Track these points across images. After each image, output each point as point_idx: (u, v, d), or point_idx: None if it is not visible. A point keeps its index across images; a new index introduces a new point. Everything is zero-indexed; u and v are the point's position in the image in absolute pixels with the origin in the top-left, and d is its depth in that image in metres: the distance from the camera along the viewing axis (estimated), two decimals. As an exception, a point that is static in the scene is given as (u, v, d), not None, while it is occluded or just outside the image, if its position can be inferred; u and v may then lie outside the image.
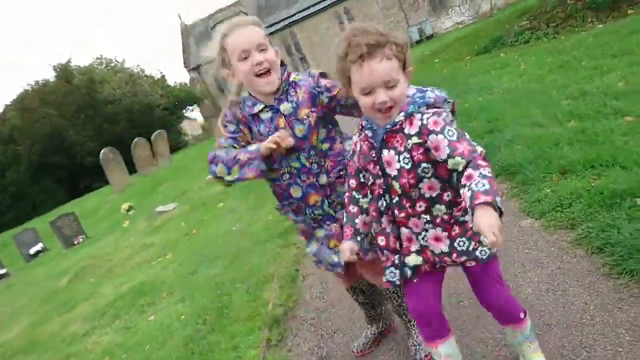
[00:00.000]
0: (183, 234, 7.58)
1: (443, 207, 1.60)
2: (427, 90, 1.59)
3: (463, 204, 1.50)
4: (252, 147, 1.89)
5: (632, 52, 5.84)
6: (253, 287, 3.93)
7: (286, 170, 1.99)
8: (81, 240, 12.17)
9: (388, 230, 1.68)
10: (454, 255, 1.63)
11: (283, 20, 41.94)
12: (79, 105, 36.27)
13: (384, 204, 1.65)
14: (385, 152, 1.59)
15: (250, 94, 1.98)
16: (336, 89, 1.94)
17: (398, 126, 1.55)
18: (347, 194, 1.81)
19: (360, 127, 1.70)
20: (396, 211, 1.63)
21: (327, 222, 2.10)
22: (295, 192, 2.03)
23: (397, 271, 1.72)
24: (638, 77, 4.65)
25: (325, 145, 2.00)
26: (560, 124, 4.27)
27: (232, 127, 2.02)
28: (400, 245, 1.68)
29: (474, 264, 1.64)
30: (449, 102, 1.61)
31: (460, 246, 1.62)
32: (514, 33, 12.76)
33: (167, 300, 4.72)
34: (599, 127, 3.75)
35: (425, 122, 1.51)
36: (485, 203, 1.28)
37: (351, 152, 1.76)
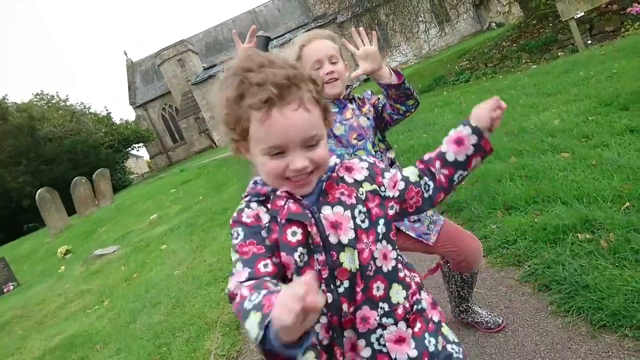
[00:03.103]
0: (122, 278, 7.13)
1: (401, 288, 1.12)
2: None
3: (415, 280, 1.18)
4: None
5: (565, 91, 6.14)
6: (194, 335, 3.67)
7: None
8: (11, 288, 11.27)
9: (325, 341, 1.07)
10: None
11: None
12: (17, 146, 34.24)
13: (328, 298, 1.05)
14: (327, 210, 1.07)
15: None
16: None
17: (335, 173, 1.13)
18: (246, 286, 0.96)
19: (264, 188, 1.11)
20: (345, 305, 1.06)
21: None
22: None
23: None
24: (572, 115, 4.84)
25: None
26: (501, 159, 4.35)
27: None
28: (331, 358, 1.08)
29: None
30: None
31: (431, 346, 1.11)
32: (455, 72, 13.35)
33: (101, 354, 4.34)
34: (538, 163, 3.84)
35: (371, 160, 1.19)
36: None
37: (247, 227, 1.09)
